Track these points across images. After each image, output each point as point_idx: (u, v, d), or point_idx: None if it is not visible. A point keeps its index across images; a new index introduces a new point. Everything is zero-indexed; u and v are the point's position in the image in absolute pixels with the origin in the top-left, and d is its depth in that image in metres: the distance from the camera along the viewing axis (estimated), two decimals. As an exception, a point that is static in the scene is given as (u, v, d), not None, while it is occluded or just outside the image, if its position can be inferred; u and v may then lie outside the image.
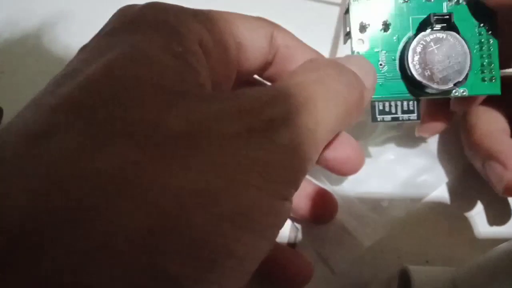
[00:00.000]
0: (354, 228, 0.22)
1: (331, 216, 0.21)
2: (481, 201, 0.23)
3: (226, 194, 0.10)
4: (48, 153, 0.10)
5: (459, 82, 0.17)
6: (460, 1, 0.18)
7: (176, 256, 0.10)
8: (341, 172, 0.19)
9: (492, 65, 0.18)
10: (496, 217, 0.22)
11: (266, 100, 0.12)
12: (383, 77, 0.18)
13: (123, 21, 0.13)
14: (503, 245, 0.15)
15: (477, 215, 0.22)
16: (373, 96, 0.18)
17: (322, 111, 0.13)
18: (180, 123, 0.11)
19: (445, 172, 0.23)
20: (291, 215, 0.22)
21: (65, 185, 0.09)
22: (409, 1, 0.18)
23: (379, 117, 0.18)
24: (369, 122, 0.19)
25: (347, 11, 0.19)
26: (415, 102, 0.18)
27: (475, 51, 0.18)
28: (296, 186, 0.12)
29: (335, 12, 0.30)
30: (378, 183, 0.23)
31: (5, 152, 0.10)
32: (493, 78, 0.18)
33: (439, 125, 0.21)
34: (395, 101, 0.18)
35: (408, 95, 0.18)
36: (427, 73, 0.17)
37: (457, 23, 0.18)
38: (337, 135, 0.17)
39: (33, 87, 0.27)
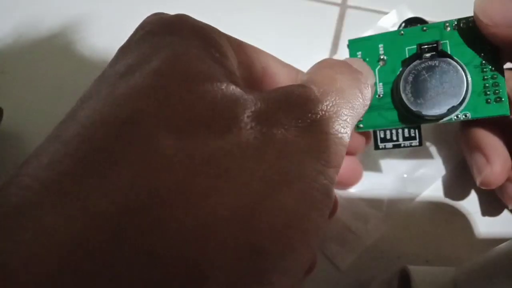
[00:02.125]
0: (355, 225, 0.22)
1: (331, 214, 0.21)
2: (481, 200, 0.22)
3: (295, 175, 0.11)
4: (137, 139, 0.10)
5: (453, 107, 0.17)
6: (460, 25, 0.18)
7: (268, 233, 0.10)
8: (346, 184, 0.21)
9: (498, 85, 0.18)
10: (494, 213, 0.22)
11: (309, 96, 0.13)
12: (382, 107, 0.19)
13: (162, 24, 0.13)
14: (503, 245, 0.15)
15: (477, 214, 0.22)
16: (373, 125, 0.19)
17: (348, 100, 0.14)
18: (248, 113, 0.12)
19: (443, 165, 0.23)
20: None
21: (159, 168, 0.10)
22: (404, 34, 0.19)
23: (381, 145, 0.19)
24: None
25: (348, 46, 0.20)
26: (416, 129, 0.19)
27: (476, 73, 0.18)
28: (338, 172, 0.13)
29: (335, 12, 0.29)
30: (376, 179, 0.23)
31: (95, 140, 0.10)
32: (499, 98, 0.18)
33: None
34: (396, 129, 0.19)
35: (405, 123, 0.19)
36: (420, 101, 0.18)
37: (455, 47, 0.18)
38: None
39: (34, 87, 0.29)
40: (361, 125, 0.19)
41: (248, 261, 0.10)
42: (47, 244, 0.09)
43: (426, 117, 0.18)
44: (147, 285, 0.09)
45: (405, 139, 0.19)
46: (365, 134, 0.20)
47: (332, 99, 0.13)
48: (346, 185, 0.21)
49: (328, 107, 0.13)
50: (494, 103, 0.18)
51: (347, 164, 0.20)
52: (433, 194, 0.23)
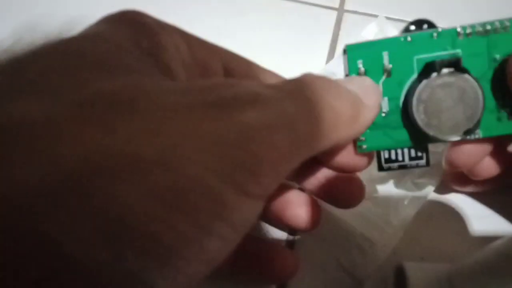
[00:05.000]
0: (372, 235, 0.22)
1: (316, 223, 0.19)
2: (475, 197, 0.23)
3: (158, 165, 0.09)
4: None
5: (469, 130, 0.16)
6: (476, 32, 0.16)
7: (75, 229, 0.08)
8: (345, 206, 0.19)
9: None
10: (488, 211, 0.22)
11: (234, 81, 0.11)
12: (388, 126, 0.17)
13: (113, 15, 0.13)
14: (498, 242, 0.15)
15: (472, 212, 0.22)
16: (378, 146, 0.17)
17: (303, 106, 0.12)
18: (121, 90, 0.10)
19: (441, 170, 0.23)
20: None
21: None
22: (411, 40, 0.16)
23: (386, 166, 0.18)
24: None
25: (344, 52, 0.17)
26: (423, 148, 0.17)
27: (489, 88, 0.16)
28: (261, 182, 0.10)
29: (332, 16, 0.29)
30: (382, 186, 0.23)
31: None
32: (513, 115, 0.16)
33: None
34: (402, 148, 0.17)
35: (415, 144, 0.17)
36: (434, 122, 0.16)
37: (468, 59, 0.16)
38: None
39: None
40: (364, 146, 0.17)
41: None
42: None
43: (441, 140, 0.16)
44: None
45: (411, 159, 0.17)
46: (368, 153, 0.17)
47: (277, 93, 0.11)
48: (345, 206, 0.18)
49: (264, 97, 0.11)
50: (507, 120, 0.17)
51: (344, 184, 0.18)
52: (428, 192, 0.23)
